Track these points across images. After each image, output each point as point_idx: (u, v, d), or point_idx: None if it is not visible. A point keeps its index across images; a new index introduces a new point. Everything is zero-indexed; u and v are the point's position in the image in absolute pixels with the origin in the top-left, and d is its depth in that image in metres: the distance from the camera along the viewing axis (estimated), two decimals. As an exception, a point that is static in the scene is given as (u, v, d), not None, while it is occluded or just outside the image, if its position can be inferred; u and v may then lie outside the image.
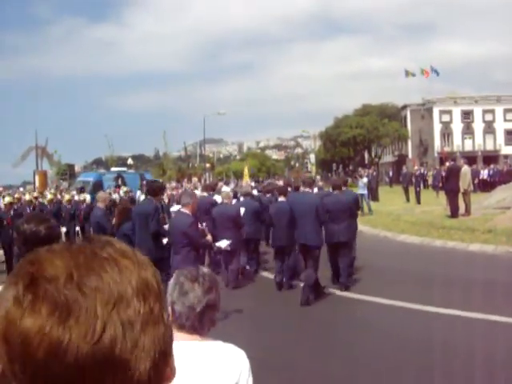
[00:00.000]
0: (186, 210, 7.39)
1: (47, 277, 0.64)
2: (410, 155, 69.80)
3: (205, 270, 2.33)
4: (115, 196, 28.71)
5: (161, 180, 55.15)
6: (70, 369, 0.61)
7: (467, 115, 71.58)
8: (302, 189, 10.32)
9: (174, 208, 12.35)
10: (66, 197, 18.17)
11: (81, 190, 23.85)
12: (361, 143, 69.90)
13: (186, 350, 1.94)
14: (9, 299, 0.64)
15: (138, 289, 0.67)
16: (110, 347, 0.63)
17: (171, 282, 2.25)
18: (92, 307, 0.63)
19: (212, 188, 13.45)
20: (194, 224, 7.37)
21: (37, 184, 43.86)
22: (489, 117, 71.44)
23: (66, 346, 0.61)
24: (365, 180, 23.77)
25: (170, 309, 2.14)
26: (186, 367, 1.72)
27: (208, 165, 65.29)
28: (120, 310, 0.65)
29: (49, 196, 18.64)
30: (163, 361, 0.69)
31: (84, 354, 0.62)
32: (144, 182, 37.01)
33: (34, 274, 0.65)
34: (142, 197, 24.31)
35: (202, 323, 2.15)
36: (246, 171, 39.63)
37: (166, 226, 8.67)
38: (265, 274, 11.40)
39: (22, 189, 35.13)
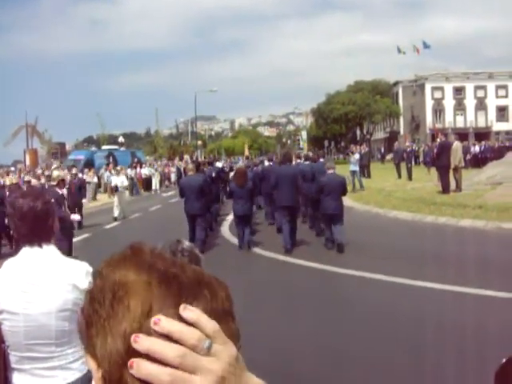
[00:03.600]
0: (333, 171, 10.57)
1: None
2: (401, 132, 69.84)
3: (186, 243, 2.34)
4: (107, 174, 28.61)
5: (154, 157, 54.89)
6: None
7: (459, 91, 71.49)
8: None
9: None
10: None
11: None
12: (353, 120, 69.69)
13: None
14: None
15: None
16: None
17: None
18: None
19: (210, 164, 18.38)
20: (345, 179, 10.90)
21: (27, 163, 43.61)
22: (481, 93, 71.39)
23: None
24: (356, 156, 23.80)
25: None
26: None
27: (200, 142, 64.98)
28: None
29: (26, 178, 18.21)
30: None
31: None
32: (135, 160, 36.86)
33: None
34: (123, 177, 24.19)
35: None
36: (246, 148, 52.27)
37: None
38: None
39: (13, 168, 34.86)
